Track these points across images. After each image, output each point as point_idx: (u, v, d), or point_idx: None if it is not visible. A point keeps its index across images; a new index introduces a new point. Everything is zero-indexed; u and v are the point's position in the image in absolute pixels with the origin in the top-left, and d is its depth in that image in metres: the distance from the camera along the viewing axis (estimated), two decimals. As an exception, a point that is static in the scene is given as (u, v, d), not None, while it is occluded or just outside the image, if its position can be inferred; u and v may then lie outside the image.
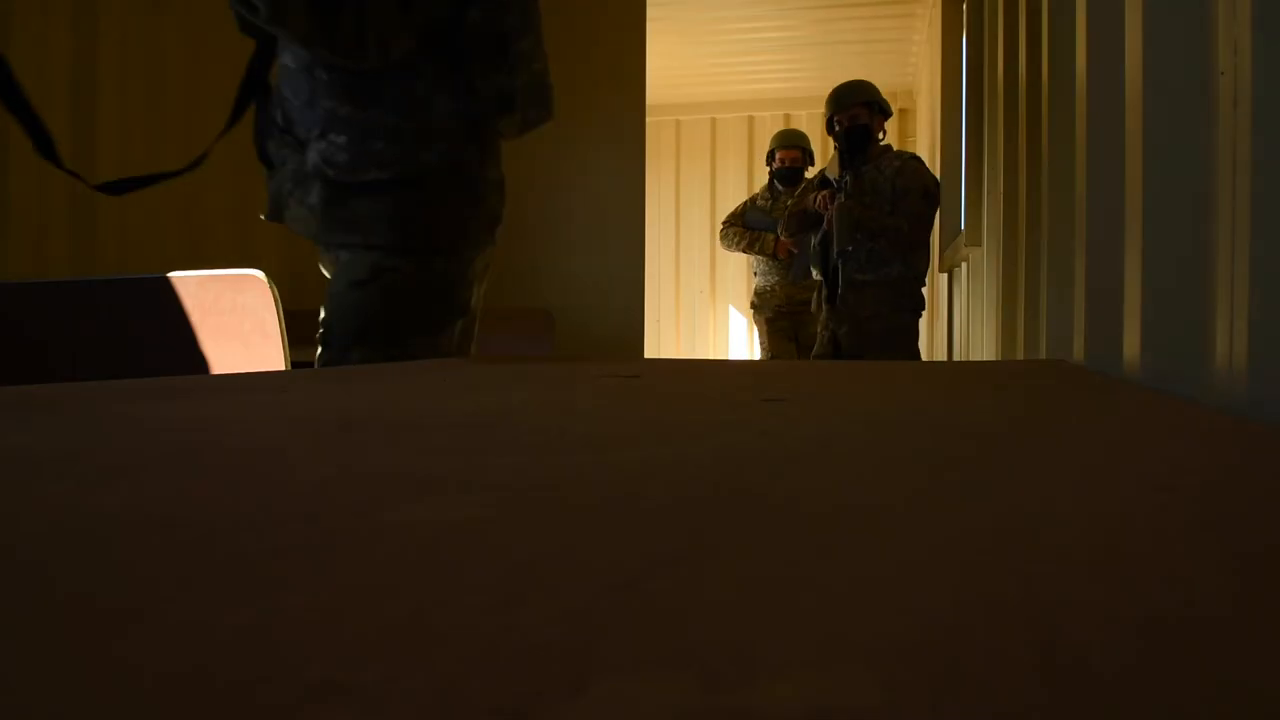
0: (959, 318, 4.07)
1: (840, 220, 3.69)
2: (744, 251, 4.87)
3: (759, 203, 4.87)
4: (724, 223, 4.94)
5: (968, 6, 3.69)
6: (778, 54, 6.79)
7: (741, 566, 0.30)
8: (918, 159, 3.94)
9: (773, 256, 4.74)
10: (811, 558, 0.31)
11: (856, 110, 3.83)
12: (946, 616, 0.24)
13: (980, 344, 3.08)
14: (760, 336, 4.93)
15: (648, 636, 0.23)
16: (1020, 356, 2.20)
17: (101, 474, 0.48)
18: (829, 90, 4.02)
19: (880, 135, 3.88)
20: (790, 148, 4.77)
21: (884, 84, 8.08)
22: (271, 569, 0.29)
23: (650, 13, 4.11)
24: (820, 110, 8.34)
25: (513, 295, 4.24)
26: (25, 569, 0.30)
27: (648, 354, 5.42)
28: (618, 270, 4.09)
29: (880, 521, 0.37)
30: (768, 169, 4.87)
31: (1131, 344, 1.16)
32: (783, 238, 4.49)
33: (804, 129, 9.28)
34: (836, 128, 3.89)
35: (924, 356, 6.79)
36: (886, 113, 3.92)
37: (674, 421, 0.73)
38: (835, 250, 3.78)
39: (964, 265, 3.82)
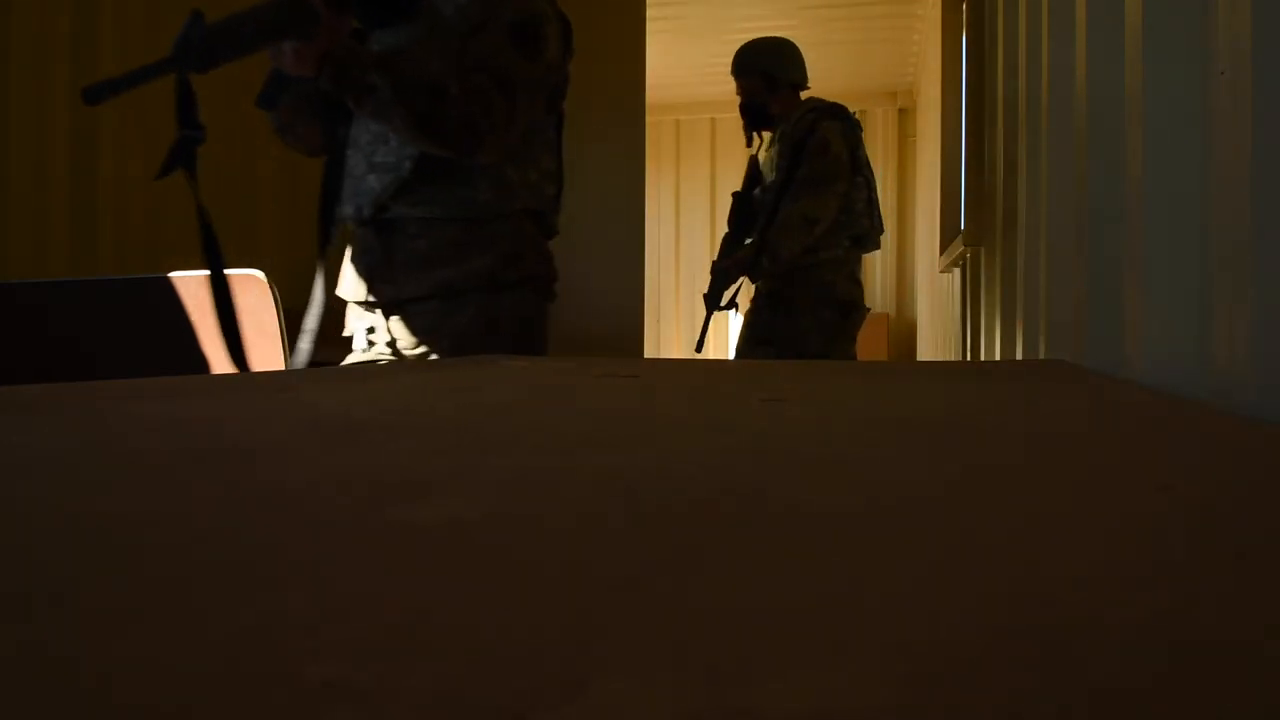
0: (959, 318, 4.07)
1: None
2: None
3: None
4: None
5: (968, 6, 3.69)
6: (777, 54, 6.79)
7: (741, 566, 0.30)
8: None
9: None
10: (811, 558, 0.31)
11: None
12: (947, 617, 0.24)
13: (980, 344, 3.08)
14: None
15: (648, 636, 0.23)
16: (1020, 356, 2.20)
17: (101, 474, 0.48)
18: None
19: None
20: (737, 75, 3.22)
21: (884, 84, 8.14)
22: (271, 569, 0.29)
23: (650, 13, 4.11)
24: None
25: (512, 295, 4.24)
26: (25, 568, 0.30)
27: (648, 354, 5.41)
28: (618, 269, 4.08)
29: (880, 522, 0.37)
30: None
31: (1131, 344, 1.16)
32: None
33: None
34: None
35: (926, 356, 6.80)
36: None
37: (674, 421, 0.73)
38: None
39: (964, 265, 3.82)
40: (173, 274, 1.94)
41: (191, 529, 0.35)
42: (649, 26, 4.09)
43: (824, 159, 2.97)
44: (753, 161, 3.28)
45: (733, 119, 8.65)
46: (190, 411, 0.78)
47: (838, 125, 3.02)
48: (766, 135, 3.24)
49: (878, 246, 3.28)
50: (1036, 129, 1.97)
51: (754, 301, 3.27)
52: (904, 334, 8.02)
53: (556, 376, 1.19)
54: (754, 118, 3.19)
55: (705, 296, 3.21)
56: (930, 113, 5.94)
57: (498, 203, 1.68)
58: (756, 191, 3.17)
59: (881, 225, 3.24)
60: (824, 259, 3.08)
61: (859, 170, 3.08)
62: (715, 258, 3.28)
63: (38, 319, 1.99)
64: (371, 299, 1.72)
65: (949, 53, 4.74)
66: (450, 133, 1.54)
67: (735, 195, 3.23)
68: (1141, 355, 1.12)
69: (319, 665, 0.21)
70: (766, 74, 3.14)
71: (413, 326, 1.71)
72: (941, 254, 4.67)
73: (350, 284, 1.76)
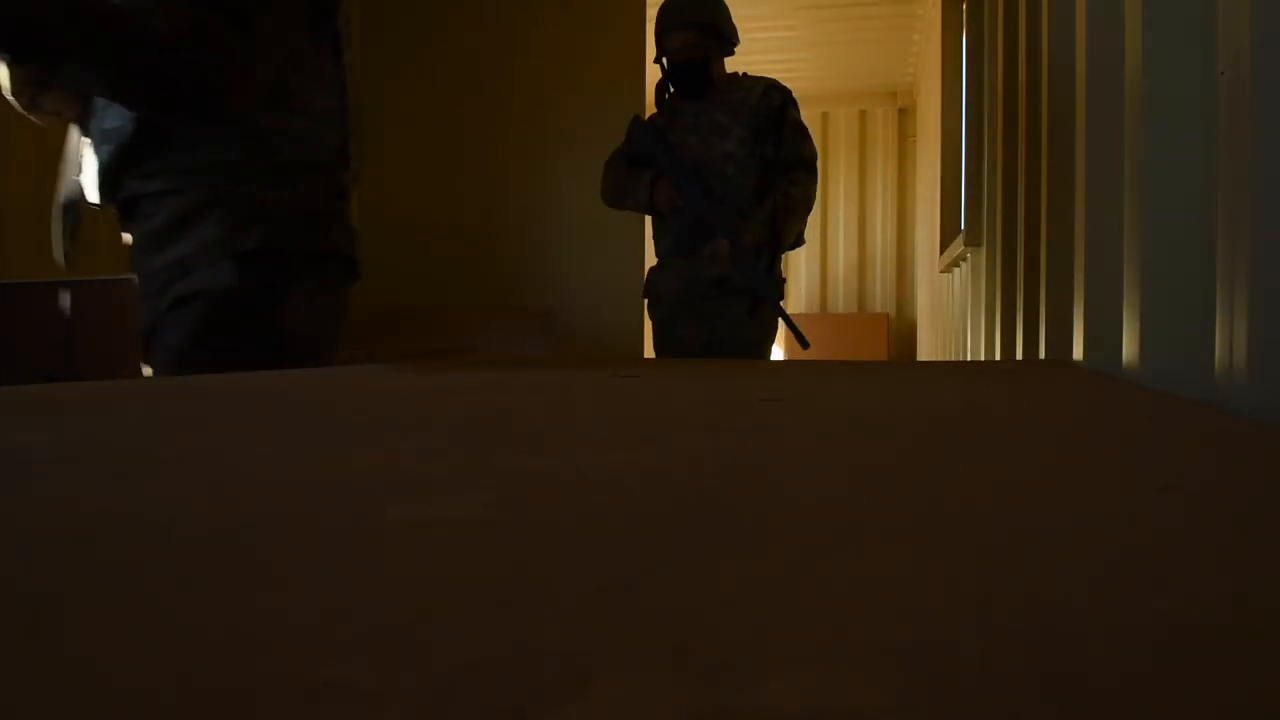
0: (959, 318, 4.07)
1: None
2: (618, 206, 2.92)
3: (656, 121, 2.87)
4: (606, 164, 2.93)
5: (968, 6, 3.69)
6: (778, 54, 6.79)
7: (741, 566, 0.30)
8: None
9: (649, 209, 2.81)
10: (811, 557, 0.31)
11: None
12: (947, 617, 0.24)
13: (980, 344, 3.08)
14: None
15: (648, 636, 0.23)
16: (1020, 356, 2.20)
17: (101, 474, 0.48)
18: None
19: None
20: (684, 28, 2.74)
21: (884, 84, 8.14)
22: (271, 569, 0.29)
23: (650, 13, 4.11)
24: (821, 109, 8.41)
25: (513, 295, 4.25)
26: (25, 568, 0.30)
27: (648, 354, 5.42)
28: (618, 270, 4.09)
29: (880, 522, 0.37)
30: (659, 66, 2.83)
31: (1131, 344, 1.16)
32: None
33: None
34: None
35: (925, 356, 6.80)
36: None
37: (674, 421, 0.73)
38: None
39: (964, 265, 3.82)
40: (173, 274, 1.93)
41: (191, 529, 0.35)
42: (649, 27, 4.09)
43: (809, 142, 2.75)
44: (638, 125, 2.80)
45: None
46: (190, 411, 0.78)
47: (799, 112, 2.80)
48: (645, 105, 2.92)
49: (799, 246, 2.98)
50: (1036, 129, 1.97)
51: (666, 296, 2.81)
52: (904, 334, 8.03)
53: (557, 376, 1.19)
54: (692, 78, 2.74)
55: (760, 295, 2.68)
56: (930, 113, 5.94)
57: (249, 161, 1.31)
58: (729, 166, 2.71)
59: None
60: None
61: None
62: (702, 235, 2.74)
63: (38, 318, 1.99)
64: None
65: (949, 52, 4.75)
66: (173, 90, 1.21)
67: (681, 169, 2.68)
68: (1141, 355, 1.12)
69: (319, 665, 0.21)
70: (719, 32, 2.75)
71: (152, 316, 1.35)
72: (941, 254, 4.67)
73: None
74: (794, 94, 2.87)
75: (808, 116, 2.98)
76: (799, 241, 2.85)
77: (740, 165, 2.68)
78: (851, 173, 8.34)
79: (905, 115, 8.27)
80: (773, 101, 2.73)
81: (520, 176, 4.27)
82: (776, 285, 2.73)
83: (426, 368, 1.41)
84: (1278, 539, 0.35)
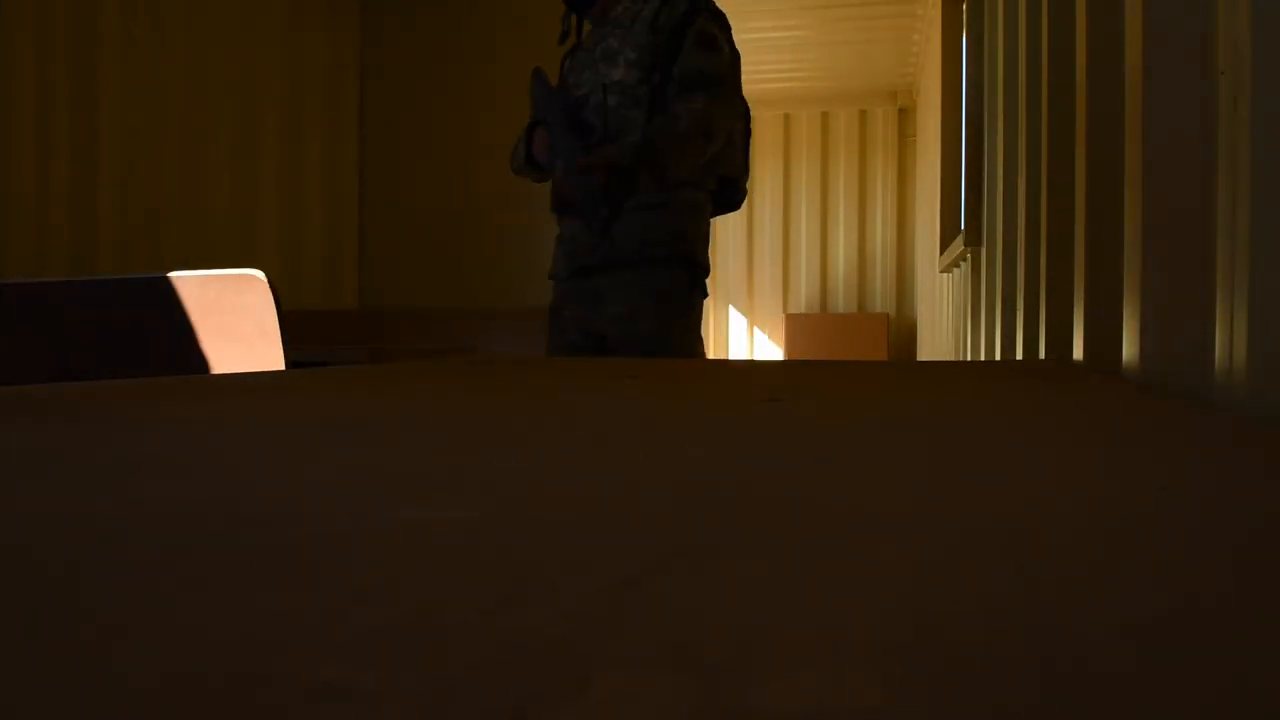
0: (959, 317, 4.07)
1: None
2: (517, 173, 2.40)
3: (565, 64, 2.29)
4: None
5: (968, 6, 3.69)
6: (778, 54, 6.79)
7: (741, 566, 0.30)
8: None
9: (530, 167, 2.28)
10: (812, 557, 0.31)
11: None
12: (947, 617, 0.24)
13: (980, 344, 3.08)
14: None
15: (648, 636, 0.23)
16: (1020, 356, 2.20)
17: (101, 474, 0.48)
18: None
19: None
20: None
21: (884, 83, 8.14)
22: (272, 569, 0.29)
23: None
24: (821, 109, 8.43)
25: (513, 295, 4.25)
26: (25, 568, 0.30)
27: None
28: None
29: (880, 522, 0.37)
30: None
31: (1131, 344, 1.16)
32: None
33: (805, 129, 9.19)
34: None
35: (925, 356, 6.79)
36: None
37: (673, 421, 0.73)
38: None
39: (964, 265, 3.82)
40: (172, 274, 1.94)
41: (190, 529, 0.35)
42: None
43: (715, 55, 2.09)
44: (532, 77, 2.22)
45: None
46: (191, 411, 0.78)
47: (722, 28, 2.18)
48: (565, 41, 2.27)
49: (740, 204, 2.31)
50: (1037, 128, 1.97)
51: (558, 273, 2.24)
52: (904, 334, 8.03)
53: (558, 377, 1.19)
54: None
55: (582, 207, 2.09)
56: (930, 113, 5.94)
57: None
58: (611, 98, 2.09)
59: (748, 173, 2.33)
60: (681, 199, 2.09)
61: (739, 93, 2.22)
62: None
63: (38, 319, 1.99)
64: None
65: (949, 52, 4.75)
66: None
67: (564, 108, 2.12)
68: (1141, 355, 1.12)
69: (319, 665, 0.21)
70: None
71: None
72: (941, 254, 4.67)
73: None
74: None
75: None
76: (731, 197, 2.21)
77: (627, 94, 2.05)
78: (851, 173, 8.34)
79: (905, 115, 8.27)
80: (675, 10, 2.09)
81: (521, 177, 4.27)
82: (663, 236, 2.07)
83: (426, 368, 1.41)
84: (1278, 539, 0.35)
